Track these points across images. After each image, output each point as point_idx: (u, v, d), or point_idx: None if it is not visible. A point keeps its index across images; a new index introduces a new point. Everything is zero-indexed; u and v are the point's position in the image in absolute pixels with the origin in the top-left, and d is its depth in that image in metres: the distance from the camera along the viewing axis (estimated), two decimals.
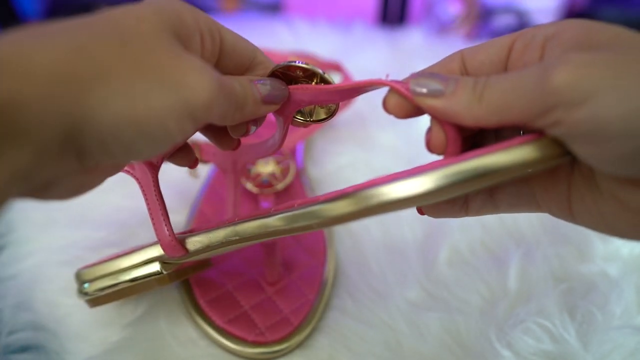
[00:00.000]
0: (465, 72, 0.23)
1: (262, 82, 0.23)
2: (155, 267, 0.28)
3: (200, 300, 0.33)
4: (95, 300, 0.30)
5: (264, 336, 0.31)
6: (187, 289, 0.33)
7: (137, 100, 0.17)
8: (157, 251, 0.28)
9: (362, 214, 0.20)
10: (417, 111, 0.22)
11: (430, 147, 0.23)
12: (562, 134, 0.18)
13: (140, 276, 0.28)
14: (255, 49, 0.25)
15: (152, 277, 0.28)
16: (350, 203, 0.20)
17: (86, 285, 0.29)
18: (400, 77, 0.24)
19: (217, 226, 0.27)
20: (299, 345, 0.32)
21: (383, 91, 0.23)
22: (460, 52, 0.23)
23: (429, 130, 0.23)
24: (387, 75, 0.23)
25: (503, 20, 0.80)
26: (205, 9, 0.87)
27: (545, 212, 0.23)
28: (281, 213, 0.24)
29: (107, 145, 0.17)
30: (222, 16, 0.83)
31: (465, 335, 0.32)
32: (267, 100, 0.23)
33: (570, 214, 0.22)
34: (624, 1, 0.88)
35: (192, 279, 0.34)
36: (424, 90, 0.21)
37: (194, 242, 0.27)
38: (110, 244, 0.37)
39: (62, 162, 0.17)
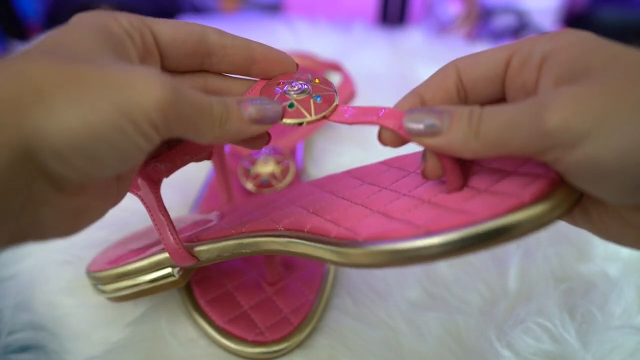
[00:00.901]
0: (461, 87, 0.23)
1: (253, 102, 0.22)
2: (168, 270, 0.29)
3: (201, 300, 0.33)
4: (112, 299, 0.31)
5: (264, 336, 0.31)
6: (187, 288, 0.33)
7: (85, 108, 0.17)
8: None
9: (378, 266, 0.21)
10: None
11: (426, 175, 0.23)
12: (561, 171, 0.18)
13: (158, 277, 0.29)
14: (250, 47, 0.25)
15: (168, 281, 0.29)
16: (366, 253, 0.21)
17: (100, 286, 0.31)
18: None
19: (226, 236, 0.28)
20: (299, 345, 0.32)
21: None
22: (455, 64, 0.23)
23: (424, 159, 0.22)
24: (382, 112, 0.23)
25: (503, 21, 0.80)
26: (205, 9, 0.88)
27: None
28: (293, 238, 0.25)
29: (67, 159, 0.17)
30: (222, 16, 0.83)
31: (465, 335, 0.32)
32: (258, 121, 0.22)
33: (572, 220, 0.22)
34: (624, 1, 0.88)
35: (193, 279, 0.34)
36: (420, 127, 0.21)
37: (204, 252, 0.28)
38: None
39: (28, 186, 0.17)
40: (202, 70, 0.25)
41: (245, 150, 0.43)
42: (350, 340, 0.32)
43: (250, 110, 0.22)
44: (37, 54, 0.18)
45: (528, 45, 0.21)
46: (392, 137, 0.23)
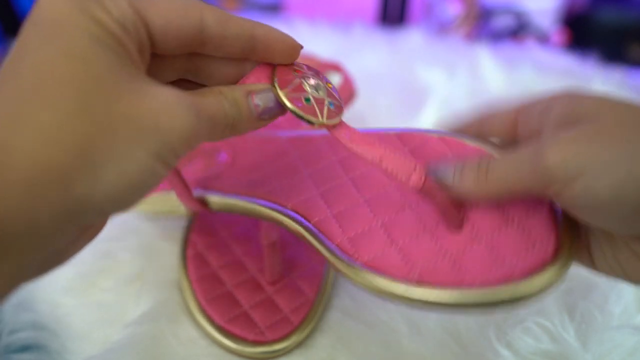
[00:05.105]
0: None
1: (261, 95, 0.22)
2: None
3: (201, 299, 0.33)
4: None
5: (264, 335, 0.31)
6: (188, 288, 0.33)
7: (124, 163, 0.16)
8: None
9: (369, 292, 0.23)
10: None
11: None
12: (563, 204, 0.21)
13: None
14: (252, 26, 0.22)
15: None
16: (361, 278, 0.23)
17: None
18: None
19: (237, 194, 0.29)
20: (299, 345, 0.32)
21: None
22: (474, 117, 0.27)
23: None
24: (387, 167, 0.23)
25: (502, 21, 0.80)
26: None
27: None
28: (298, 225, 0.26)
29: (106, 211, 0.17)
30: None
31: (465, 335, 0.32)
32: (263, 117, 0.22)
33: (591, 262, 0.23)
34: (624, 1, 0.88)
35: (193, 278, 0.34)
36: (438, 179, 0.23)
37: (214, 203, 0.29)
38: (111, 238, 0.37)
39: (60, 240, 0.17)
40: (190, 53, 0.22)
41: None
42: (350, 340, 0.32)
43: (260, 104, 0.21)
44: (54, 91, 0.16)
45: (529, 106, 0.24)
46: None
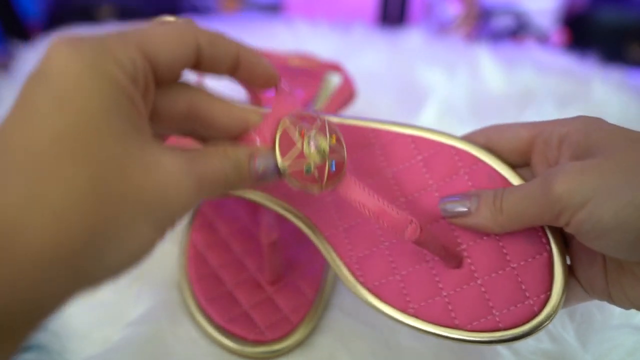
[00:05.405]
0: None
1: (263, 159, 0.21)
2: None
3: (201, 299, 0.33)
4: None
5: (264, 335, 0.31)
6: (188, 288, 0.33)
7: (128, 241, 0.17)
8: None
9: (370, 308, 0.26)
10: None
11: None
12: (572, 232, 0.22)
13: None
14: (237, 48, 0.22)
15: None
16: (364, 297, 0.26)
17: None
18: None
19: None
20: (299, 345, 0.32)
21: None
22: (486, 133, 0.27)
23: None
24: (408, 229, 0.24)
25: (502, 21, 0.80)
26: (205, 9, 0.88)
27: (592, 298, 0.26)
28: (310, 230, 0.28)
29: (103, 282, 0.18)
30: (222, 17, 0.83)
31: None
32: (260, 180, 0.22)
33: (608, 295, 0.24)
34: (623, 2, 0.88)
35: (193, 278, 0.34)
36: (454, 211, 0.25)
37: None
38: None
39: (55, 312, 0.17)
40: (190, 110, 0.22)
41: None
42: (350, 340, 0.32)
43: (261, 167, 0.21)
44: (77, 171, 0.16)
45: (548, 129, 0.24)
46: None
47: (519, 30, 0.82)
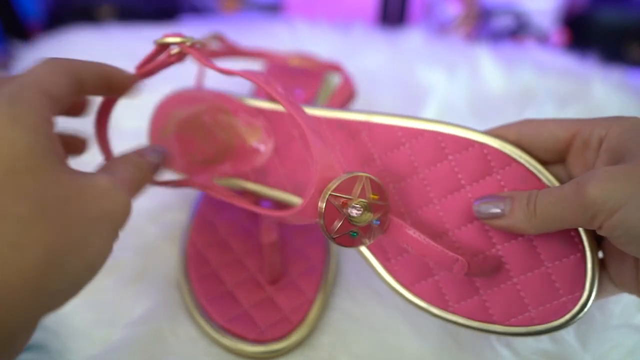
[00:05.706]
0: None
1: (152, 152, 0.26)
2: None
3: (201, 299, 0.33)
4: None
5: (264, 335, 0.31)
6: (188, 287, 0.33)
7: (85, 255, 0.19)
8: None
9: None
10: None
11: None
12: (605, 234, 0.22)
13: None
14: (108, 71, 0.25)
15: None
16: (390, 283, 0.29)
17: None
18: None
19: (282, 189, 0.32)
20: (299, 345, 0.32)
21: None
22: (519, 129, 0.26)
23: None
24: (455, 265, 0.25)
25: (502, 21, 0.80)
26: (205, 9, 0.88)
27: (620, 292, 0.26)
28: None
29: (68, 297, 0.19)
30: (222, 17, 0.83)
31: (465, 335, 0.32)
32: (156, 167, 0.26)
33: (638, 290, 0.24)
34: (624, 2, 0.88)
35: (193, 277, 0.34)
36: (489, 213, 0.25)
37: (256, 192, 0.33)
38: None
39: (24, 339, 0.19)
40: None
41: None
42: (350, 340, 0.32)
43: (153, 159, 0.26)
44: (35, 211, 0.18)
45: (587, 129, 0.24)
46: None
47: (519, 30, 0.82)
